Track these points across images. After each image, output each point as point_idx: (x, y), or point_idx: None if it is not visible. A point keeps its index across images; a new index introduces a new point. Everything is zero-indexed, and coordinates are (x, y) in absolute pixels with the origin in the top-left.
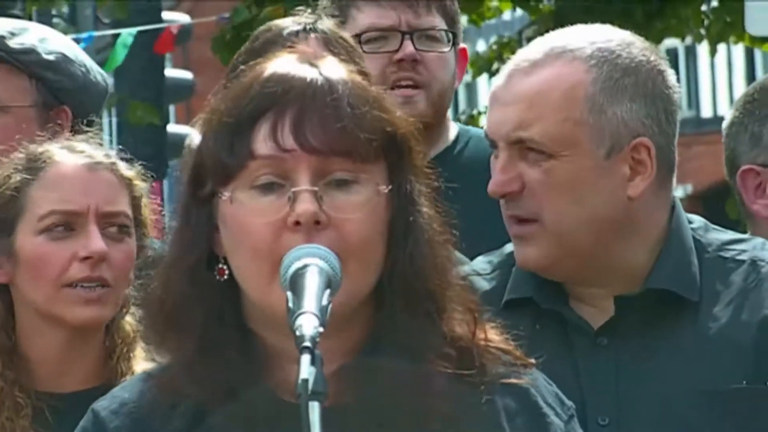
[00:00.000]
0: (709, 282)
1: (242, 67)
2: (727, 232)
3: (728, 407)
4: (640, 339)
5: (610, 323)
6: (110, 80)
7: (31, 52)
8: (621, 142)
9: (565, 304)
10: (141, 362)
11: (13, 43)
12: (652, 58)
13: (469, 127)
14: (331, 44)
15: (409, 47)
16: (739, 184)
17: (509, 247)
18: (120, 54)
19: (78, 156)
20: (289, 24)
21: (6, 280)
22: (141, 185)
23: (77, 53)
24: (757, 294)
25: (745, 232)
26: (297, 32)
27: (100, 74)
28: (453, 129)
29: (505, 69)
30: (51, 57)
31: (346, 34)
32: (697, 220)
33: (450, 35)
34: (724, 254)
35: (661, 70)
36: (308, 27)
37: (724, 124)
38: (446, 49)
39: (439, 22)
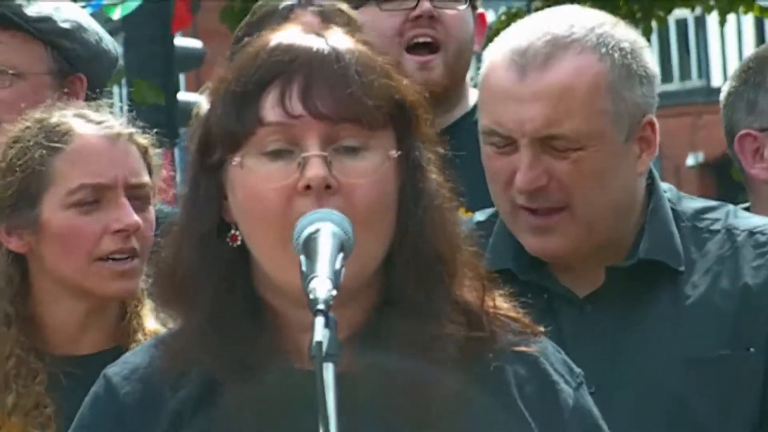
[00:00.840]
0: (687, 251)
1: (246, 39)
2: (697, 199)
3: (712, 374)
4: (626, 308)
5: (597, 293)
6: (120, 48)
7: (47, 20)
8: (635, 124)
9: (547, 275)
10: (150, 319)
11: (30, 11)
12: (637, 38)
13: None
14: (328, 17)
15: (425, 4)
16: (737, 150)
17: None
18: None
19: (98, 127)
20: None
21: (25, 251)
22: (154, 153)
23: (90, 21)
24: (734, 262)
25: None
26: (292, 6)
27: (111, 43)
28: (473, 95)
29: (509, 63)
30: (66, 25)
31: (345, 6)
32: (669, 188)
33: None
34: (698, 224)
35: (646, 46)
36: (302, 1)
37: (722, 96)
38: (462, 7)
39: None
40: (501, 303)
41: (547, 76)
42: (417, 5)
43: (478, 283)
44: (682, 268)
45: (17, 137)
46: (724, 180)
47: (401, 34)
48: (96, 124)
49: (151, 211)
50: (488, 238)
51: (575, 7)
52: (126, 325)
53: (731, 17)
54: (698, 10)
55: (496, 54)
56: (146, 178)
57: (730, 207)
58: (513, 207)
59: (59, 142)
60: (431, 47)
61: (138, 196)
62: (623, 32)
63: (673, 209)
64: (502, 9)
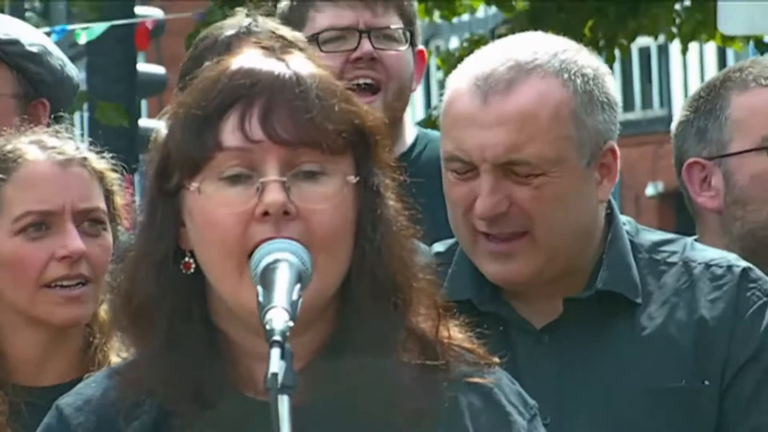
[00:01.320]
0: (644, 283)
1: (190, 73)
2: (655, 231)
3: (668, 405)
4: (583, 339)
5: (554, 323)
6: (82, 74)
7: (15, 42)
8: (597, 150)
9: (505, 305)
10: (116, 351)
11: None
12: (600, 64)
13: (428, 131)
14: (270, 46)
15: (366, 45)
16: (684, 179)
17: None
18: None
19: (50, 152)
20: (225, 29)
21: None
22: (113, 177)
23: (54, 47)
24: (690, 294)
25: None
26: (231, 36)
27: (74, 69)
28: (411, 132)
29: (471, 88)
30: (34, 48)
31: (287, 32)
32: (627, 221)
33: (407, 34)
34: (656, 256)
35: (608, 73)
36: (242, 31)
37: (672, 126)
38: (403, 48)
39: (396, 21)
40: (456, 333)
41: (509, 102)
42: (357, 47)
43: (434, 312)
44: (639, 300)
45: None
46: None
47: (342, 75)
48: (48, 149)
49: (107, 237)
50: (448, 268)
51: (538, 34)
52: (92, 357)
53: (693, 46)
54: (661, 39)
55: (459, 80)
56: (98, 203)
57: (688, 240)
58: (473, 233)
59: (9, 169)
60: (372, 88)
61: (89, 220)
62: (586, 58)
63: (631, 241)
64: (465, 35)
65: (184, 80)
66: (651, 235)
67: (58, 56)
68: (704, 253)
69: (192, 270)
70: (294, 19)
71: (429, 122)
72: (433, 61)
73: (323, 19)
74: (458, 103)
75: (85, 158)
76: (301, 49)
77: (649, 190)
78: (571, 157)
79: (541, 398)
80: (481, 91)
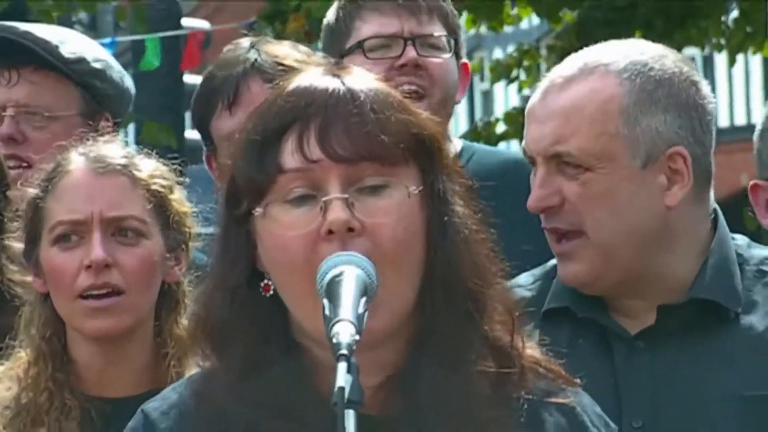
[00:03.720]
0: (748, 293)
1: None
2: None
3: (762, 413)
4: (678, 345)
5: (649, 330)
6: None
7: (82, 61)
8: (656, 152)
9: (602, 312)
10: (195, 367)
11: (66, 51)
12: (684, 69)
13: (474, 144)
14: (273, 78)
15: (411, 52)
16: (751, 200)
17: (553, 261)
18: (151, 58)
19: (90, 162)
20: (230, 67)
21: (44, 290)
22: (163, 182)
23: (112, 59)
24: None
25: (762, 242)
26: (239, 76)
27: (129, 79)
28: (456, 144)
29: (541, 86)
30: (98, 65)
31: (294, 58)
32: (740, 237)
33: (452, 43)
34: (765, 268)
35: (695, 81)
36: (248, 68)
37: (754, 137)
38: (447, 56)
39: (440, 30)
40: (534, 352)
41: (562, 97)
42: (402, 53)
43: (509, 319)
44: (738, 309)
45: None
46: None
47: (387, 82)
48: (90, 158)
49: (144, 245)
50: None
51: (639, 41)
52: (165, 371)
53: (740, 57)
54: (707, 50)
55: (540, 82)
56: (132, 211)
57: None
58: (547, 232)
59: (54, 179)
60: (417, 95)
61: (122, 228)
62: (669, 63)
63: (739, 254)
64: (509, 47)
65: (197, 114)
66: (764, 251)
67: (118, 69)
68: None
69: (271, 292)
70: (340, 29)
71: (474, 133)
72: (477, 74)
73: (368, 27)
74: (530, 102)
75: (126, 165)
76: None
77: None
78: (620, 155)
79: (635, 401)
80: (543, 88)
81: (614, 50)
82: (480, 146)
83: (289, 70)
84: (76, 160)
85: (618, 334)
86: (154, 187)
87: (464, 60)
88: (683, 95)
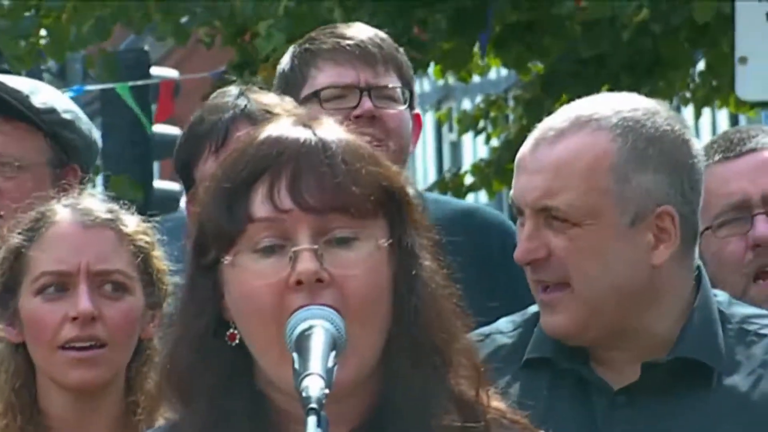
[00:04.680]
0: (731, 352)
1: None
2: (750, 306)
3: None
4: (660, 402)
5: (632, 386)
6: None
7: (53, 111)
8: (645, 210)
9: (584, 364)
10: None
11: (37, 102)
12: (676, 128)
13: (430, 194)
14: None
15: (367, 103)
16: None
17: (533, 308)
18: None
19: (77, 214)
20: (219, 112)
21: (18, 341)
22: (147, 239)
23: (80, 111)
24: None
25: None
26: (228, 121)
27: (96, 131)
28: None
29: (531, 137)
30: (68, 116)
31: (282, 107)
32: (721, 294)
33: (406, 94)
34: (746, 326)
35: (686, 140)
36: (238, 113)
37: None
38: (403, 108)
39: (395, 81)
40: (499, 404)
41: (553, 150)
42: (358, 104)
43: (475, 374)
44: (720, 368)
45: (14, 225)
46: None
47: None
48: (77, 211)
49: (128, 300)
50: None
51: (631, 95)
52: (136, 424)
53: (707, 111)
54: (675, 103)
55: (532, 133)
56: (120, 266)
57: None
58: (532, 283)
59: (38, 229)
60: (372, 141)
61: (108, 282)
62: (661, 120)
63: (722, 311)
64: (477, 97)
65: (181, 160)
66: (744, 309)
67: (86, 120)
68: None
69: (237, 341)
70: (295, 77)
71: (442, 184)
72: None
73: (324, 77)
74: (520, 152)
75: (112, 219)
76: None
77: None
78: (609, 212)
79: None
80: (534, 140)
81: (607, 104)
82: (431, 196)
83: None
84: (62, 212)
85: (599, 388)
86: (138, 243)
87: (417, 110)
88: (674, 154)
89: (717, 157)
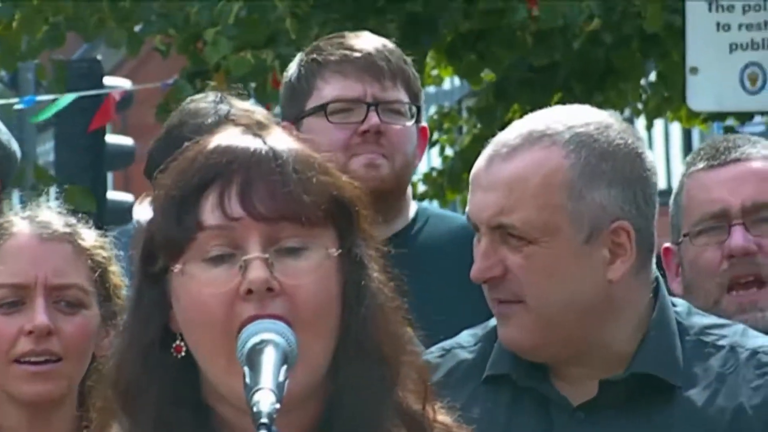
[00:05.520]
0: (688, 365)
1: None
2: (710, 316)
3: None
4: (619, 417)
5: (591, 402)
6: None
7: None
8: (600, 226)
9: (543, 381)
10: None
11: None
12: (629, 141)
13: (428, 206)
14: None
15: (373, 118)
16: (664, 264)
17: (493, 321)
18: (48, 111)
19: (35, 226)
20: (202, 115)
21: None
22: (104, 254)
23: (0, 123)
24: (734, 380)
25: None
26: (212, 125)
27: (15, 143)
28: (412, 207)
29: (485, 153)
30: None
31: (261, 114)
32: (680, 304)
33: (414, 110)
34: (704, 338)
35: (639, 153)
36: (222, 119)
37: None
38: (409, 123)
39: (403, 96)
40: (445, 418)
41: (506, 167)
42: (365, 119)
43: (422, 387)
44: (678, 383)
45: None
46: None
47: (348, 148)
48: (35, 223)
49: (84, 315)
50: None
51: (586, 107)
52: None
53: (660, 122)
54: (627, 113)
55: (487, 147)
56: (77, 280)
57: (742, 326)
58: (489, 299)
59: None
60: (374, 166)
61: (65, 298)
62: (613, 134)
63: (680, 323)
64: (433, 108)
65: (155, 164)
66: (703, 319)
67: (5, 131)
68: (755, 340)
69: (183, 353)
70: (301, 87)
71: None
72: None
73: (331, 90)
74: (474, 168)
75: (70, 233)
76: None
77: None
78: (564, 229)
79: None
80: (488, 156)
81: (559, 119)
82: (434, 210)
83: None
84: (20, 224)
85: (558, 404)
86: (96, 257)
87: (423, 124)
88: (628, 168)
89: (701, 165)
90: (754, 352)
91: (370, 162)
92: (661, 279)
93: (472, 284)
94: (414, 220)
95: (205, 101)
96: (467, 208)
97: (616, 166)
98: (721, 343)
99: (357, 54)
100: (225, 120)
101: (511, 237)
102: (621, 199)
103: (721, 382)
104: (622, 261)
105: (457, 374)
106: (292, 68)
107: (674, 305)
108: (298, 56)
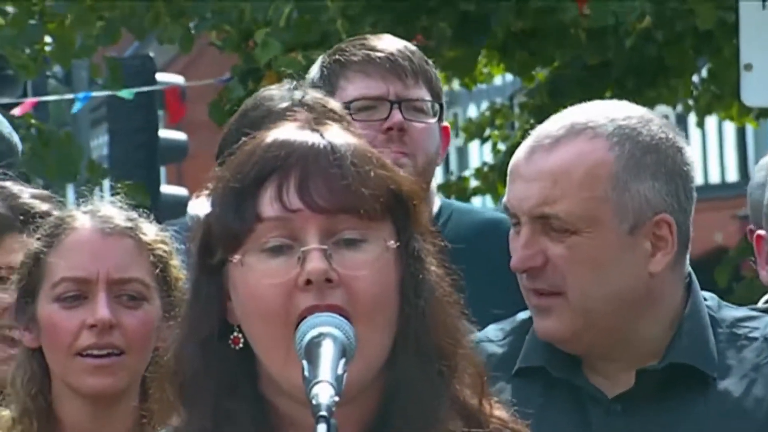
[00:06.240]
0: (722, 357)
1: (235, 146)
2: (739, 309)
3: None
4: (655, 409)
5: (627, 394)
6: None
7: None
8: (643, 218)
9: (578, 373)
10: None
11: None
12: (671, 135)
13: (453, 201)
14: (320, 116)
15: (397, 116)
16: (755, 250)
17: (522, 315)
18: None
19: (97, 221)
20: (277, 99)
21: (35, 346)
22: (165, 248)
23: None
24: None
25: (732, 299)
26: (286, 109)
27: (15, 134)
28: (436, 202)
29: (526, 144)
30: None
31: (335, 103)
32: (710, 297)
33: (436, 107)
34: (737, 330)
35: (680, 147)
36: (296, 103)
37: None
38: (432, 121)
39: (425, 94)
40: (501, 413)
41: (550, 158)
42: (388, 117)
43: (478, 381)
44: (714, 374)
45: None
46: (704, 281)
47: (372, 146)
48: (97, 218)
49: (146, 309)
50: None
51: (620, 102)
52: (150, 430)
53: (713, 118)
54: (680, 108)
55: (525, 140)
56: (138, 275)
57: None
58: (526, 291)
59: (57, 235)
60: (402, 153)
61: (127, 292)
62: (655, 128)
63: (712, 316)
64: (485, 104)
65: (228, 149)
66: (733, 311)
67: (6, 124)
68: None
69: (241, 345)
70: (323, 87)
71: (446, 187)
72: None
73: (354, 89)
74: (514, 159)
75: (131, 228)
76: (348, 122)
77: None
78: (608, 220)
79: None
80: (530, 147)
81: (600, 112)
82: (458, 205)
83: (332, 114)
84: (82, 218)
85: (594, 397)
86: (157, 252)
87: (445, 123)
88: (670, 162)
89: None
90: None
91: (393, 160)
92: (693, 274)
93: (497, 278)
94: (438, 214)
95: (279, 88)
96: (505, 199)
97: (659, 159)
98: (753, 335)
99: (379, 54)
100: (301, 104)
101: (552, 227)
102: (664, 191)
103: (757, 372)
104: (663, 254)
105: (487, 368)
106: (315, 70)
107: (705, 299)
108: (320, 58)
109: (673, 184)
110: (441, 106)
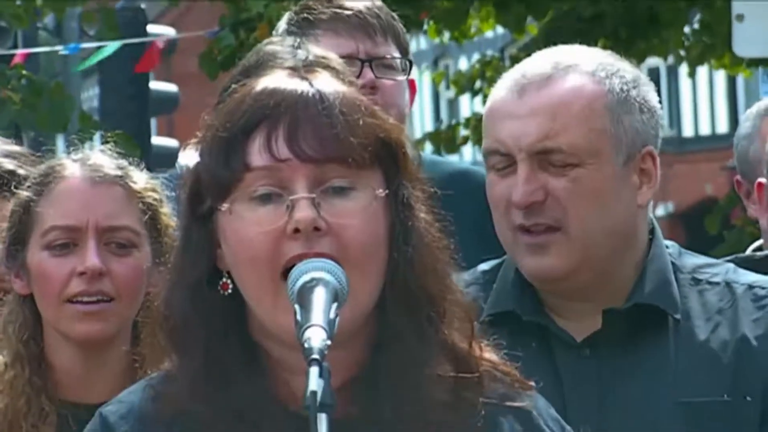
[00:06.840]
0: (685, 300)
1: (234, 86)
2: (699, 256)
3: (708, 419)
4: (623, 352)
5: (594, 336)
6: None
7: None
8: (634, 151)
9: (546, 316)
10: None
11: None
12: (640, 74)
13: (424, 154)
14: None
15: (368, 74)
16: (756, 197)
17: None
18: (93, 59)
19: (86, 169)
20: (280, 58)
21: (26, 293)
22: (155, 196)
23: None
24: (733, 313)
25: (723, 247)
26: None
27: None
28: None
29: (507, 85)
30: None
31: (338, 61)
32: (671, 245)
33: (405, 64)
34: (698, 276)
35: (649, 83)
36: (299, 65)
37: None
38: (402, 78)
39: (394, 51)
40: (491, 356)
41: (544, 94)
42: (359, 75)
43: (468, 325)
44: (678, 316)
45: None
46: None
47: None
48: (86, 166)
49: (136, 256)
50: (492, 285)
51: (582, 47)
52: (142, 377)
53: (703, 69)
54: (671, 60)
55: (500, 85)
56: (128, 222)
57: (730, 265)
58: (513, 230)
59: (47, 184)
60: None
61: (116, 240)
62: (626, 66)
63: (673, 262)
64: (475, 56)
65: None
66: (694, 259)
67: None
68: (746, 276)
69: (230, 291)
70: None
71: (435, 134)
72: (443, 81)
73: (323, 47)
74: (496, 100)
75: (121, 176)
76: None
77: (659, 211)
78: (607, 152)
79: (582, 409)
80: (518, 86)
81: (575, 52)
82: (427, 156)
83: (333, 71)
84: (72, 167)
85: (563, 340)
86: (147, 199)
87: (411, 76)
88: (649, 96)
89: None
90: (750, 287)
91: None
92: (654, 220)
93: (469, 229)
94: None
95: (282, 44)
96: (490, 140)
97: (640, 93)
98: (715, 280)
99: (348, 12)
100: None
101: (552, 162)
102: (651, 125)
103: (720, 316)
104: (648, 187)
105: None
106: (282, 27)
107: (667, 246)
108: (287, 15)
109: (654, 118)
110: (410, 62)
